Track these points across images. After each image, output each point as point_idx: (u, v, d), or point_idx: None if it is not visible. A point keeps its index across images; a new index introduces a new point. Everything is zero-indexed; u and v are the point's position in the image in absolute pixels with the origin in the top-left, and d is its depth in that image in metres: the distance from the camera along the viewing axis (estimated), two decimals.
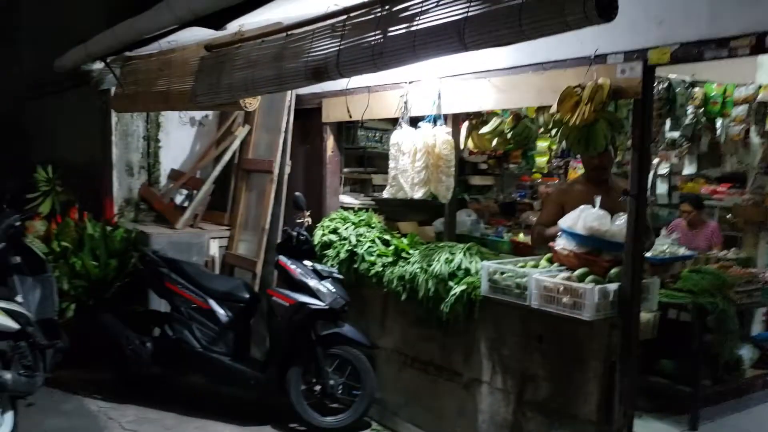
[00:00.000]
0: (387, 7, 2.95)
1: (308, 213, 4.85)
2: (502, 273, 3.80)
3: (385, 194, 4.54)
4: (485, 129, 4.49)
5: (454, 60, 3.68)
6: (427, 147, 4.18)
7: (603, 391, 3.35)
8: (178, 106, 5.20)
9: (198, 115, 6.33)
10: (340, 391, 4.42)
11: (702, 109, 5.28)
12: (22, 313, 4.41)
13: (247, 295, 4.87)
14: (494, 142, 4.53)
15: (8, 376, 3.97)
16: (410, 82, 4.37)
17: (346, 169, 5.89)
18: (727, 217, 6.46)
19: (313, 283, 4.46)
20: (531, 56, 3.63)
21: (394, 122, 4.57)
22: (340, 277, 4.62)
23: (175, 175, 6.31)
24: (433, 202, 4.52)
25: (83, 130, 6.92)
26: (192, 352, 4.69)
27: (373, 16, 3.03)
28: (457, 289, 3.98)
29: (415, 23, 2.78)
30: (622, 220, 3.57)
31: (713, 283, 4.58)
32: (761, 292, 4.86)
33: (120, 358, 4.86)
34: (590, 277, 3.48)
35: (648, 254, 4.49)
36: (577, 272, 3.56)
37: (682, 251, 5.05)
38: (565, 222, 3.77)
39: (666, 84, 5.03)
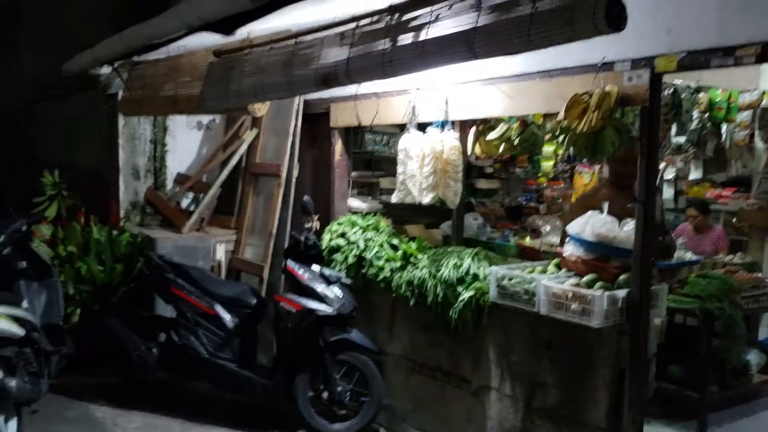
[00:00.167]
0: (396, 16, 2.97)
1: (316, 217, 4.86)
2: (511, 279, 3.80)
3: (394, 199, 4.55)
4: (492, 135, 4.49)
5: (461, 67, 3.68)
6: (435, 152, 4.19)
7: (612, 398, 3.36)
8: (186, 111, 5.22)
9: (205, 118, 6.34)
10: (348, 398, 4.42)
11: (707, 114, 5.28)
12: (28, 320, 4.41)
13: (254, 301, 4.87)
14: (501, 148, 4.54)
15: (13, 383, 3.96)
16: (418, 89, 4.38)
17: (353, 173, 5.89)
18: (733, 221, 6.45)
19: (320, 288, 4.46)
20: (539, 63, 3.63)
21: (401, 126, 4.58)
22: (348, 282, 4.62)
23: (181, 179, 6.32)
24: (440, 206, 4.53)
25: (90, 133, 6.94)
26: (198, 358, 4.68)
27: (382, 24, 3.05)
28: (466, 295, 3.99)
29: (425, 32, 2.80)
30: (630, 226, 3.57)
31: (720, 288, 4.57)
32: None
33: (126, 363, 4.86)
34: (599, 284, 3.48)
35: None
36: (586, 278, 3.56)
37: (689, 256, 5.05)
38: (573, 228, 3.77)
39: (671, 90, 5.03)
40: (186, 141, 6.36)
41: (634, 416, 3.36)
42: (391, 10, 3.02)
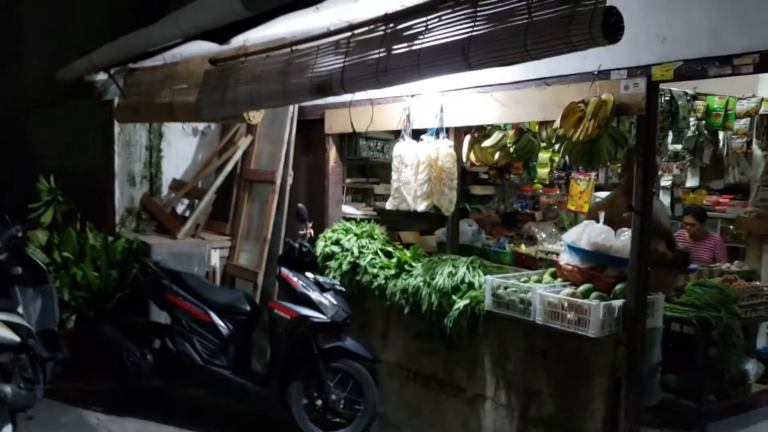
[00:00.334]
0: (391, 26, 2.96)
1: (310, 224, 4.84)
2: (506, 287, 3.79)
3: (388, 206, 4.54)
4: (488, 143, 4.48)
5: (456, 74, 3.68)
6: (430, 160, 4.18)
7: (608, 408, 3.34)
8: (182, 118, 5.20)
9: (201, 125, 6.33)
10: (341, 406, 4.40)
11: (704, 121, 5.28)
12: (23, 325, 4.40)
13: (249, 308, 4.85)
14: (497, 156, 4.53)
15: (8, 389, 3.96)
16: (413, 95, 4.37)
17: (348, 180, 5.88)
18: (731, 228, 6.45)
19: (315, 295, 4.44)
20: (534, 71, 3.62)
21: (396, 132, 4.57)
22: (342, 289, 4.61)
23: (177, 185, 6.31)
24: (435, 213, 4.52)
25: (86, 139, 6.93)
26: (193, 365, 4.67)
27: (377, 33, 3.04)
28: (461, 303, 3.97)
29: (420, 42, 2.79)
30: (626, 235, 3.56)
31: (717, 297, 4.57)
32: (765, 306, 4.84)
33: (120, 370, 4.84)
34: (595, 294, 3.47)
35: None
36: (582, 288, 3.55)
37: None
38: (569, 237, 3.76)
39: (668, 97, 5.03)
40: (181, 147, 6.35)
41: (630, 426, 3.35)
42: (386, 19, 3.01)
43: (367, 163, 6.50)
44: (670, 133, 5.19)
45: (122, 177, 6.16)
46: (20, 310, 4.52)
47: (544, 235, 5.58)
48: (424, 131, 4.33)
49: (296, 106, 5.48)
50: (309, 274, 4.59)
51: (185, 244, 5.73)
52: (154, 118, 5.66)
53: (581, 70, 3.43)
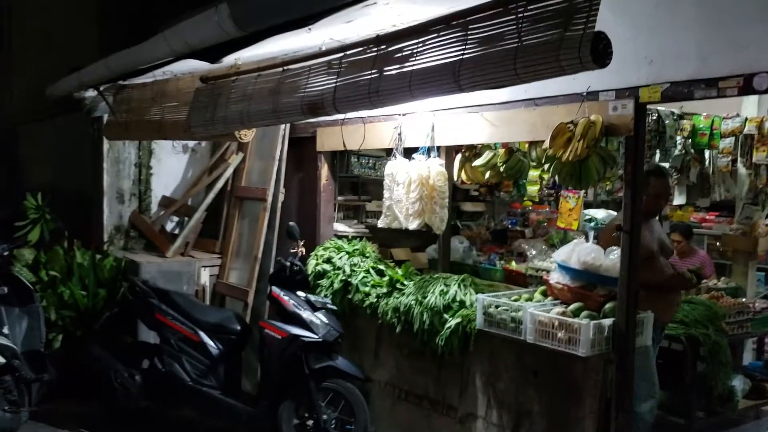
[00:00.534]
0: (383, 47, 2.99)
1: (302, 243, 4.83)
2: (497, 306, 3.80)
3: (380, 224, 4.55)
4: (478, 162, 4.52)
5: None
6: (422, 178, 4.21)
7: (599, 428, 3.35)
8: (172, 136, 5.19)
9: (191, 142, 6.32)
10: (333, 426, 4.36)
11: (690, 140, 5.35)
12: (8, 346, 4.35)
13: (239, 327, 4.82)
14: (487, 175, 4.56)
15: None
16: (404, 114, 4.40)
17: (340, 197, 5.89)
18: (717, 245, 6.51)
19: (306, 314, 4.42)
20: (523, 92, 3.67)
21: (387, 149, 4.58)
22: (334, 308, 4.59)
23: (166, 202, 6.28)
24: (426, 230, 4.53)
25: (74, 156, 6.89)
26: (182, 385, 4.62)
27: (369, 54, 3.06)
28: (452, 322, 3.98)
29: (411, 63, 2.81)
30: (615, 254, 3.59)
31: (705, 314, 4.61)
32: (752, 323, 4.89)
33: (108, 390, 4.78)
34: (585, 313, 3.49)
35: None
36: (572, 307, 3.57)
37: None
38: (559, 256, 3.79)
39: (656, 116, 5.10)
40: (171, 164, 6.33)
41: None
42: (378, 40, 3.04)
43: (359, 180, 6.52)
44: (658, 152, 5.25)
45: (111, 194, 6.12)
46: (5, 330, 4.48)
47: (534, 252, 5.61)
48: (415, 150, 4.35)
49: (288, 123, 5.50)
50: (300, 293, 4.57)
51: (174, 263, 5.70)
52: (144, 135, 5.64)
53: (570, 92, 3.47)
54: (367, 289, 4.60)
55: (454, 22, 2.69)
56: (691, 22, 3.04)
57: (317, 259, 5.04)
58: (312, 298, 4.57)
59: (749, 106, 5.62)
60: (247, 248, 5.72)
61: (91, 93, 5.74)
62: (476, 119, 3.98)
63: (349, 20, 3.30)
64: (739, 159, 5.41)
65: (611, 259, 3.59)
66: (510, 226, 6.92)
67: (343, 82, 3.16)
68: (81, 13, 7.12)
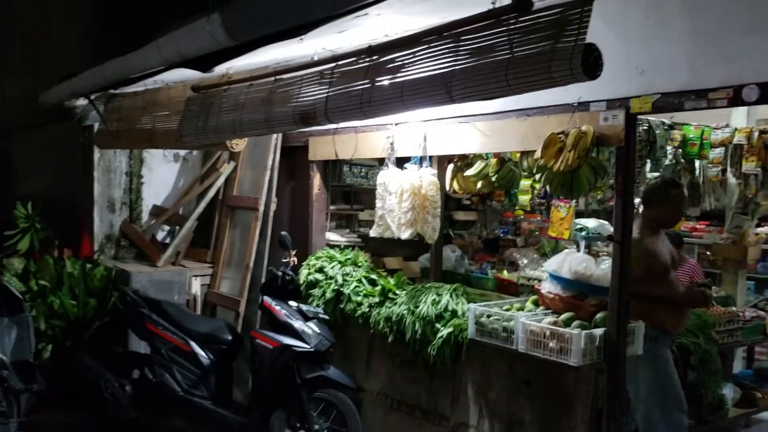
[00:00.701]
0: (375, 57, 2.99)
1: (294, 252, 4.82)
2: (489, 316, 3.80)
3: (372, 233, 4.55)
4: (470, 172, 4.53)
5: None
6: (414, 188, 4.21)
7: None
8: (163, 145, 5.18)
9: (182, 151, 6.31)
10: None
11: (681, 150, 5.37)
12: None
13: (230, 337, 4.80)
14: (479, 185, 4.58)
15: None
16: (397, 124, 4.41)
17: (332, 207, 5.89)
18: (707, 254, 6.55)
19: (298, 324, 4.41)
20: (515, 103, 3.68)
21: (380, 159, 4.59)
22: (326, 317, 4.58)
23: (157, 211, 6.26)
24: (419, 239, 4.53)
25: (65, 165, 6.86)
26: (173, 395, 4.59)
27: (361, 64, 3.07)
28: (444, 332, 3.98)
29: (403, 74, 2.82)
30: (606, 264, 3.60)
31: (695, 322, 4.62)
32: (742, 331, 4.91)
33: (98, 401, 4.74)
34: (576, 322, 3.49)
35: None
36: (563, 316, 3.57)
37: None
38: (550, 265, 3.80)
39: (646, 126, 5.12)
40: (162, 173, 6.31)
41: None
42: (370, 51, 3.05)
43: (351, 189, 6.52)
44: (649, 162, 5.27)
45: (101, 203, 6.10)
46: None
47: (525, 261, 5.62)
48: (408, 159, 4.36)
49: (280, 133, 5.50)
50: (292, 303, 4.55)
51: (165, 272, 5.67)
52: (135, 144, 5.63)
53: (561, 102, 3.49)
54: (359, 298, 4.59)
55: (446, 33, 2.70)
56: (681, 34, 3.06)
57: (309, 269, 5.03)
58: (304, 307, 4.56)
59: (738, 117, 5.67)
60: (239, 257, 5.70)
61: (82, 101, 5.72)
62: (468, 129, 4.00)
63: (341, 30, 3.32)
64: (728, 169, 5.44)
65: (602, 268, 3.60)
66: (502, 235, 6.93)
67: (336, 92, 3.17)
68: (75, 19, 7.10)
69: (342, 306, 4.69)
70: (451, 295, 4.15)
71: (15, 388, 4.33)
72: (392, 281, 4.61)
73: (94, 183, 6.05)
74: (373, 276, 4.74)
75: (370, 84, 2.98)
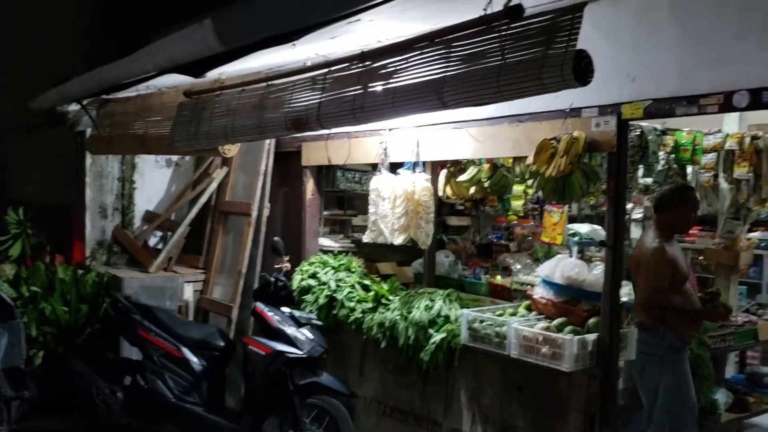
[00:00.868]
0: (368, 63, 2.99)
1: (287, 258, 4.81)
2: (482, 321, 3.80)
3: (366, 239, 4.54)
4: (463, 177, 4.53)
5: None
6: (407, 193, 4.21)
7: None
8: (155, 150, 5.17)
9: (174, 156, 6.29)
10: None
11: (673, 155, 5.40)
12: None
13: (222, 343, 4.78)
14: (472, 190, 4.58)
15: None
16: (390, 130, 4.41)
17: (325, 212, 5.87)
18: (700, 258, 6.56)
19: (290, 330, 4.39)
20: (507, 108, 3.67)
21: (373, 164, 4.59)
22: (319, 323, 4.57)
23: (149, 216, 6.23)
24: (412, 244, 4.53)
25: (56, 170, 6.83)
26: (165, 402, 4.57)
27: (353, 70, 3.07)
28: (437, 337, 3.97)
29: (395, 80, 2.82)
30: (599, 269, 3.61)
31: None
32: (734, 336, 4.92)
33: (90, 407, 4.72)
34: (569, 328, 3.50)
35: (625, 299, 4.53)
36: (556, 322, 3.58)
37: None
38: (543, 271, 3.80)
39: (639, 132, 5.14)
40: (155, 179, 6.29)
41: None
42: (362, 57, 3.05)
43: (345, 194, 6.50)
44: (641, 167, 5.29)
45: (93, 209, 6.07)
46: None
47: (519, 266, 5.61)
48: (401, 165, 4.37)
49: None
50: (285, 309, 4.54)
51: (157, 278, 5.65)
52: (127, 150, 5.61)
53: (553, 108, 3.50)
54: (352, 304, 4.58)
55: (438, 40, 2.71)
56: (672, 40, 3.08)
57: (302, 275, 5.02)
58: (297, 313, 4.54)
59: (730, 122, 5.70)
60: (232, 263, 5.68)
61: (74, 107, 5.70)
62: (461, 135, 4.00)
63: (333, 36, 3.32)
64: (720, 174, 5.46)
65: (595, 273, 3.61)
66: (495, 240, 6.93)
67: (328, 98, 3.17)
68: (66, 25, 7.08)
69: (335, 312, 4.68)
70: (444, 301, 4.14)
71: (6, 395, 4.30)
72: (385, 287, 4.60)
73: (86, 188, 6.02)
74: (367, 281, 4.74)
75: (362, 90, 2.98)
